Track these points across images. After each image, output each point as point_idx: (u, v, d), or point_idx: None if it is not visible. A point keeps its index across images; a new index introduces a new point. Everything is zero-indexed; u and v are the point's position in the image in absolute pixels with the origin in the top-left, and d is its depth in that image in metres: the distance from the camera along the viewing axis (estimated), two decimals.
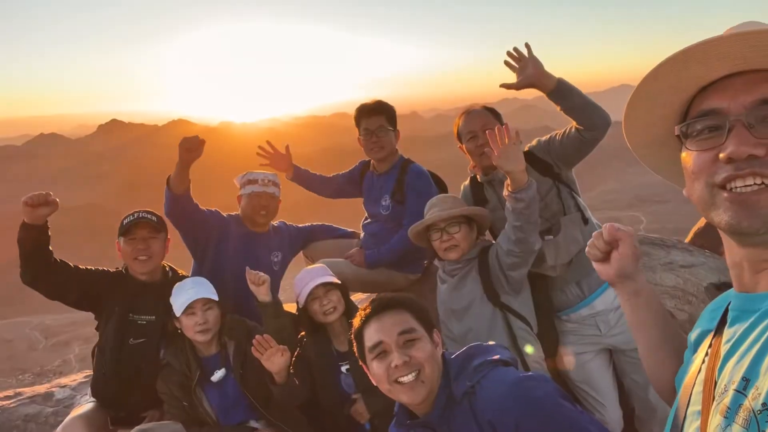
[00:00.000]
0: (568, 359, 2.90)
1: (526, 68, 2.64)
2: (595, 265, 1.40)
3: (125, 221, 3.11)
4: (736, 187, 0.88)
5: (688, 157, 0.97)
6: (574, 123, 2.68)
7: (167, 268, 3.29)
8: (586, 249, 1.41)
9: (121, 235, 3.10)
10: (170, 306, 2.94)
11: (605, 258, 1.36)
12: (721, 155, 0.88)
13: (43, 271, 2.91)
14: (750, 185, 0.86)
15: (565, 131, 2.79)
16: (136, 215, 3.13)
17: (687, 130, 0.97)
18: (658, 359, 1.34)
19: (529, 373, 1.75)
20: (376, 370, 1.75)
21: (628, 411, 2.98)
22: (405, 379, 1.68)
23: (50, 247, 2.92)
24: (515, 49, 2.69)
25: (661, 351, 1.34)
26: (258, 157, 4.00)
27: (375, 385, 1.81)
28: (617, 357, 2.92)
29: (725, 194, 0.89)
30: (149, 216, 3.14)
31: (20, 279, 2.89)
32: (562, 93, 2.61)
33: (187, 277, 3.31)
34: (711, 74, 0.94)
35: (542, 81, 2.63)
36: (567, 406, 1.58)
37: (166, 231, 3.21)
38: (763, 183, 0.85)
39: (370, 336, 1.77)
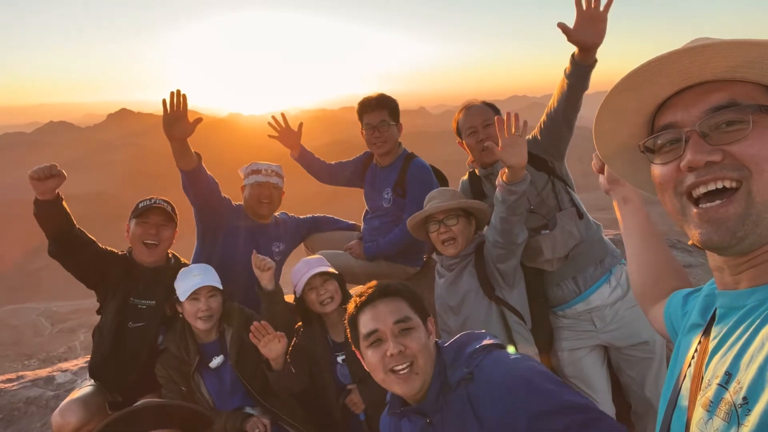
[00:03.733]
0: (562, 355, 2.92)
1: (598, 23, 2.40)
2: (600, 178, 1.60)
3: (140, 204, 3.15)
4: (701, 195, 0.92)
5: (655, 171, 1.01)
6: (555, 99, 2.65)
7: (170, 255, 3.33)
8: (592, 162, 1.57)
9: (134, 218, 3.13)
10: (171, 292, 2.98)
11: (603, 168, 1.56)
12: (682, 165, 0.93)
13: (64, 240, 2.95)
14: (714, 203, 0.90)
15: (542, 124, 2.80)
16: (152, 200, 3.17)
17: (650, 146, 1.01)
18: (636, 264, 1.51)
19: (525, 356, 1.76)
20: (370, 359, 1.75)
21: (625, 407, 2.99)
22: (399, 368, 1.69)
23: (70, 217, 2.95)
24: None
25: (639, 257, 1.50)
26: (269, 139, 4.02)
27: (370, 375, 1.82)
28: (613, 354, 2.92)
29: (694, 210, 0.93)
30: (164, 204, 3.18)
31: (47, 251, 2.94)
32: (588, 72, 2.50)
33: (189, 264, 3.33)
34: (662, 92, 0.99)
35: (594, 48, 2.43)
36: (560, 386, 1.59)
37: (176, 222, 3.24)
38: (723, 186, 0.89)
39: (365, 323, 1.77)
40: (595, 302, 2.81)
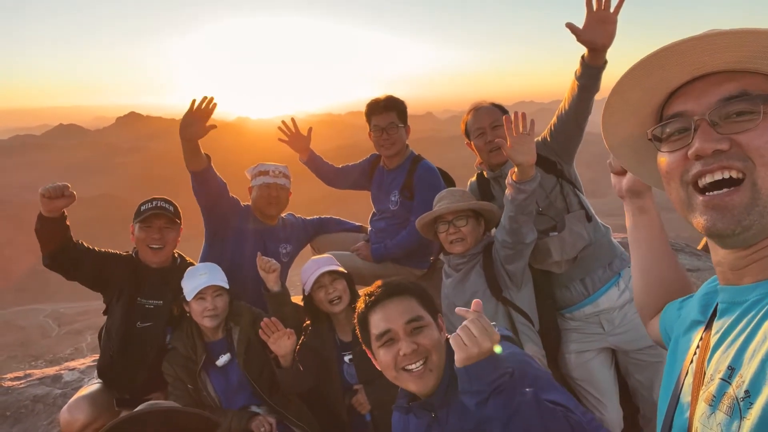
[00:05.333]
0: (570, 357, 2.90)
1: (608, 25, 2.38)
2: (612, 178, 1.52)
3: (143, 207, 3.14)
4: (707, 185, 0.91)
5: (662, 159, 1.01)
6: (566, 102, 2.65)
7: (176, 255, 3.33)
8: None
9: (137, 221, 3.12)
10: (178, 291, 2.99)
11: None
12: (689, 152, 0.92)
13: (62, 257, 2.96)
14: (720, 191, 0.89)
15: (552, 126, 2.80)
16: (154, 203, 3.15)
17: (658, 134, 1.01)
18: (642, 277, 1.47)
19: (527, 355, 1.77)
20: (383, 358, 1.74)
21: (632, 410, 2.98)
22: (413, 366, 1.68)
23: (69, 234, 2.96)
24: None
25: (647, 270, 1.46)
26: (277, 143, 4.05)
27: (377, 376, 1.81)
28: (621, 357, 2.91)
29: (700, 198, 0.92)
30: (167, 206, 3.17)
31: (41, 263, 2.94)
32: (598, 74, 2.50)
33: (195, 264, 3.33)
34: (673, 80, 0.98)
35: (604, 49, 2.42)
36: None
37: (181, 221, 3.25)
38: (731, 177, 0.88)
39: (377, 324, 1.75)
40: (604, 305, 2.80)
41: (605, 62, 2.48)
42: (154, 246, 3.11)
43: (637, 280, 1.50)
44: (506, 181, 2.56)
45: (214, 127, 3.15)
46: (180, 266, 3.25)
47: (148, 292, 3.13)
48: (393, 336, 1.72)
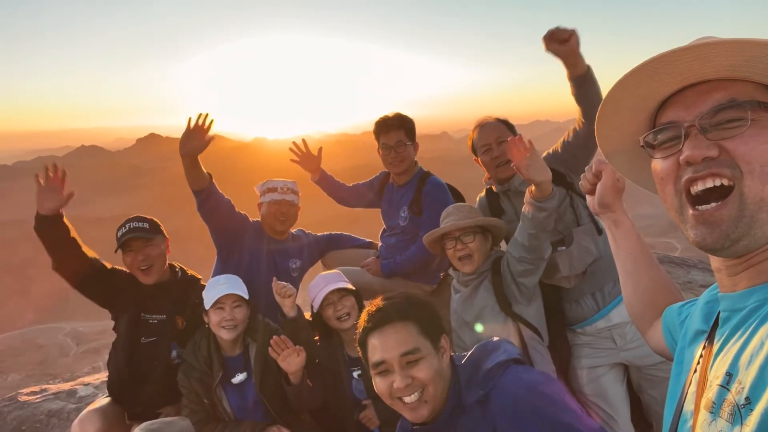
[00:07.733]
0: (582, 373, 2.87)
1: (569, 40, 2.48)
2: (588, 198, 1.58)
3: (119, 233, 3.11)
4: (699, 192, 0.92)
5: (656, 166, 1.02)
6: (578, 117, 2.68)
7: (177, 268, 3.33)
8: (580, 182, 1.56)
9: (119, 248, 3.11)
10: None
11: (593, 191, 1.54)
12: (681, 159, 0.94)
13: (66, 260, 2.98)
14: (709, 205, 0.90)
15: (565, 138, 2.82)
16: (127, 226, 3.13)
17: (650, 141, 1.02)
18: (631, 287, 1.51)
19: (540, 374, 1.75)
20: (378, 386, 1.71)
21: (645, 427, 2.92)
22: (408, 399, 1.65)
23: (73, 236, 2.97)
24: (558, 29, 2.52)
25: (634, 279, 1.50)
26: (292, 163, 4.11)
27: None
28: (634, 373, 2.87)
29: (691, 212, 0.93)
30: (139, 224, 3.13)
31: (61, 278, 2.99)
32: (586, 80, 2.54)
33: (197, 276, 3.37)
34: (664, 89, 1.00)
35: (576, 58, 2.51)
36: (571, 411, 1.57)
37: (162, 233, 3.23)
38: (722, 184, 0.89)
39: (373, 351, 1.72)
40: (615, 319, 2.77)
41: (587, 69, 2.53)
42: (142, 267, 3.10)
43: (626, 291, 1.53)
44: (525, 200, 2.56)
45: (213, 138, 3.14)
46: (181, 280, 3.27)
47: (151, 307, 3.14)
48: (387, 367, 1.68)
